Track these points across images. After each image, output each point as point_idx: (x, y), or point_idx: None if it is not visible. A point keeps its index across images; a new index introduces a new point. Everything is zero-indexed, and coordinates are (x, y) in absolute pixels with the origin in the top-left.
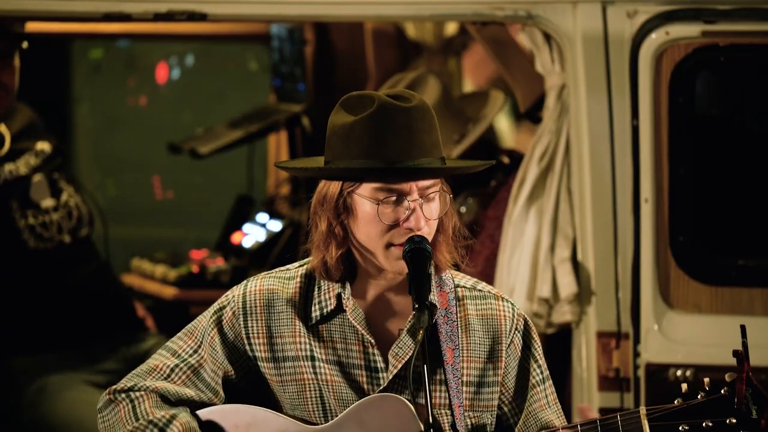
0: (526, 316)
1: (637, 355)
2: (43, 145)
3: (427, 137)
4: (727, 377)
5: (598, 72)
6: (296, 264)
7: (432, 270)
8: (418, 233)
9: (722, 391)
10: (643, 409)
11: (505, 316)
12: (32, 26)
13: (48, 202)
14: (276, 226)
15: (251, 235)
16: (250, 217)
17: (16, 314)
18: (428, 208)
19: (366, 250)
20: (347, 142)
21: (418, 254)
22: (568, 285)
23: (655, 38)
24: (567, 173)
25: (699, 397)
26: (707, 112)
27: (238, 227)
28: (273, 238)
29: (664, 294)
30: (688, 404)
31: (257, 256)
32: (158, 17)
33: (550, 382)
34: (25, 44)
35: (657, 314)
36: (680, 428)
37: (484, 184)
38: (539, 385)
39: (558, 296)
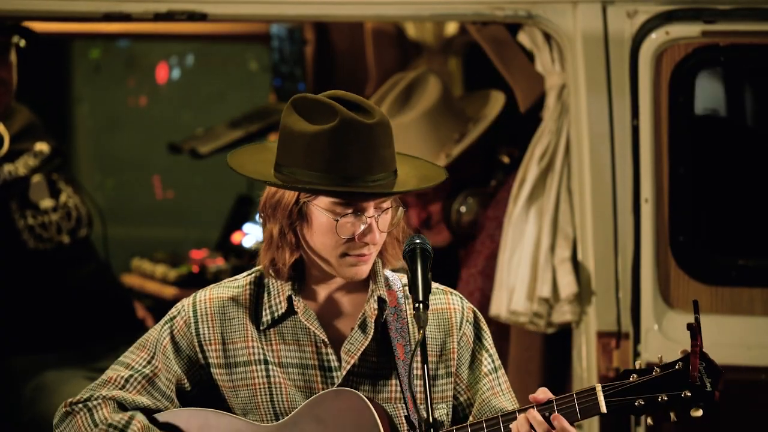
0: (474, 308)
1: (637, 354)
2: (42, 146)
3: (387, 151)
4: (680, 352)
5: (598, 72)
6: (244, 274)
7: (378, 267)
8: (375, 250)
9: (676, 366)
10: (598, 387)
11: (455, 309)
12: (32, 26)
13: (47, 203)
14: None
15: (251, 234)
16: (250, 217)
17: (15, 314)
18: (383, 221)
19: (319, 257)
20: (307, 153)
21: (418, 254)
22: (568, 285)
23: (655, 38)
24: (567, 173)
25: (654, 372)
26: (707, 112)
27: (238, 227)
28: None
29: (664, 294)
30: (644, 380)
31: (257, 256)
32: (158, 17)
33: (503, 371)
34: (22, 42)
35: (657, 314)
36: (636, 403)
37: (484, 184)
38: (491, 374)
39: (558, 296)
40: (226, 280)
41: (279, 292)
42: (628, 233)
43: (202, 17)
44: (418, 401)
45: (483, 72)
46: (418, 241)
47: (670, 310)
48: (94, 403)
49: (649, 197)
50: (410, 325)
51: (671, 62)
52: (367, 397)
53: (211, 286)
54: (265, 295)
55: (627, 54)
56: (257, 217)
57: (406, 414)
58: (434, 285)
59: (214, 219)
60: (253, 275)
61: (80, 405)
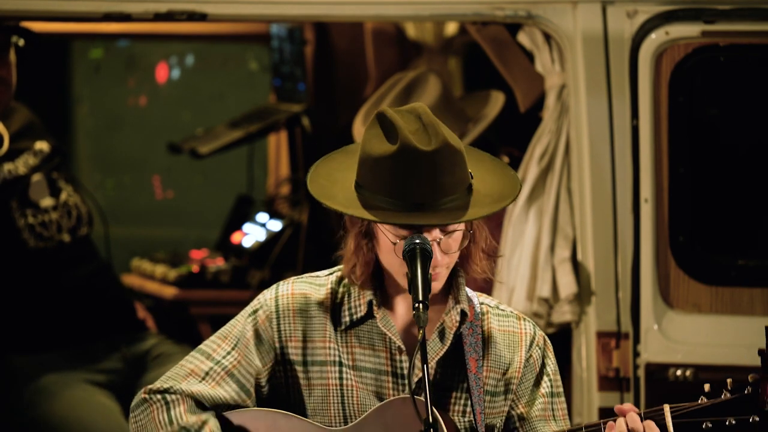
0: (545, 336)
1: (636, 354)
2: (42, 145)
3: (450, 177)
4: (750, 378)
5: (598, 72)
6: (325, 272)
7: (461, 280)
8: (441, 272)
9: (746, 391)
10: (667, 407)
11: (526, 333)
12: (32, 26)
13: (47, 202)
14: (276, 225)
15: (251, 234)
16: (250, 217)
17: (16, 313)
18: (447, 243)
19: (389, 274)
20: (374, 175)
21: (418, 254)
22: (568, 285)
23: (655, 38)
24: (567, 173)
25: (723, 396)
26: (707, 112)
27: (238, 227)
28: (273, 238)
29: (664, 294)
30: (712, 402)
31: (257, 255)
32: (158, 17)
33: (562, 399)
34: (21, 42)
35: (657, 314)
36: (704, 425)
37: None
38: (547, 396)
39: (558, 296)
40: (307, 276)
41: (360, 295)
42: (628, 233)
43: (202, 17)
44: (485, 415)
45: (483, 72)
46: (417, 241)
47: (670, 310)
48: (173, 397)
49: (648, 197)
50: (483, 341)
51: (671, 62)
52: (434, 407)
53: (293, 279)
54: (346, 296)
55: (627, 54)
56: (257, 216)
57: (471, 420)
58: (509, 309)
59: (214, 219)
60: (335, 274)
61: (158, 396)
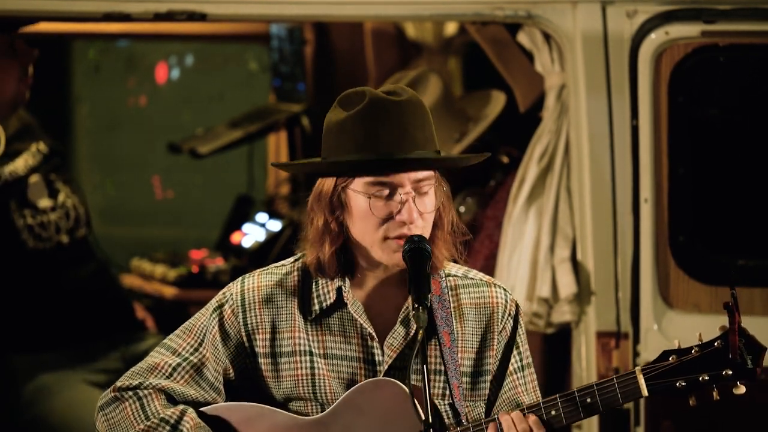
0: (517, 301)
1: (636, 354)
2: (40, 146)
3: (420, 132)
4: (719, 329)
5: (598, 72)
6: (290, 259)
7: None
8: (416, 231)
9: (715, 344)
10: (638, 369)
11: (498, 303)
12: (32, 26)
13: (45, 203)
14: (275, 225)
15: (251, 235)
16: (249, 217)
17: (15, 314)
18: (422, 202)
19: (363, 245)
20: (340, 138)
21: (418, 254)
22: (567, 285)
23: (655, 38)
24: (567, 173)
25: (693, 352)
26: (707, 112)
27: (238, 227)
28: (272, 238)
29: (664, 294)
30: (683, 360)
31: (257, 256)
32: (158, 17)
33: (531, 369)
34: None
35: (657, 314)
36: (678, 384)
37: (483, 184)
38: (517, 372)
39: (557, 296)
40: (272, 266)
41: (327, 282)
42: (628, 233)
43: (201, 17)
44: (465, 397)
45: (483, 72)
46: (416, 240)
47: (670, 310)
48: (144, 392)
49: (648, 197)
50: (454, 318)
51: (671, 62)
52: (407, 385)
53: (258, 271)
54: (313, 284)
55: (626, 54)
56: (256, 216)
57: (450, 402)
58: (479, 276)
59: (214, 219)
60: (302, 261)
61: (130, 392)
